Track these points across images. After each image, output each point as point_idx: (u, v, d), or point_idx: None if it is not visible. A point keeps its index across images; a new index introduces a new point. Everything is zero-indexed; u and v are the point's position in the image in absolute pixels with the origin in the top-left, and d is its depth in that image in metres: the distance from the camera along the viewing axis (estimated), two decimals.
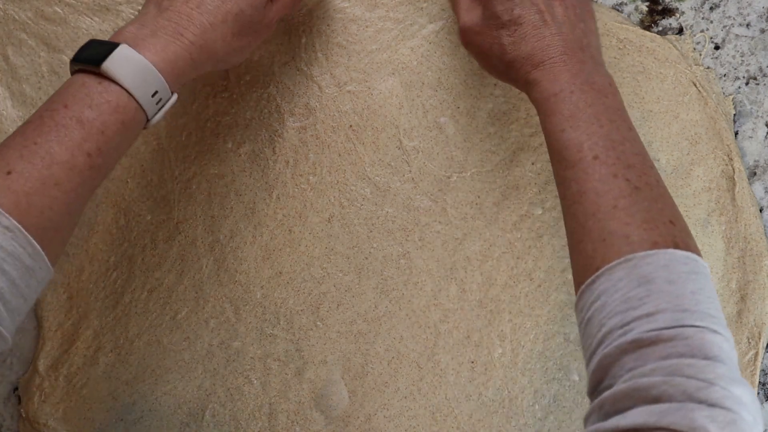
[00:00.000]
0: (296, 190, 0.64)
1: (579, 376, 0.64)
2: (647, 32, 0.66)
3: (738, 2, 0.66)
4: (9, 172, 0.42)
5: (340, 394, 0.64)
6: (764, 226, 0.66)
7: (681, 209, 0.64)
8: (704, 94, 0.65)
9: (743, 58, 0.66)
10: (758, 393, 0.65)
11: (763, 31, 0.66)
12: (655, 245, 0.42)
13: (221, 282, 0.64)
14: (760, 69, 0.67)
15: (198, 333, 0.63)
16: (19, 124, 0.64)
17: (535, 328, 0.64)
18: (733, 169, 0.65)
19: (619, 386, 0.38)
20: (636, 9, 0.67)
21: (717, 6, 0.67)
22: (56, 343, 0.63)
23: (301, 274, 0.64)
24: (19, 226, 0.41)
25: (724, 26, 0.66)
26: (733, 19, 0.66)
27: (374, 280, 0.64)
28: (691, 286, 0.41)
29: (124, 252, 0.63)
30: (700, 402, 0.36)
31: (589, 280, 0.43)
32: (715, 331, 0.39)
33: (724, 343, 0.39)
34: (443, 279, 0.64)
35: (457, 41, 0.64)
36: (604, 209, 0.45)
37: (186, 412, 0.63)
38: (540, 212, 0.65)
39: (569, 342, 0.64)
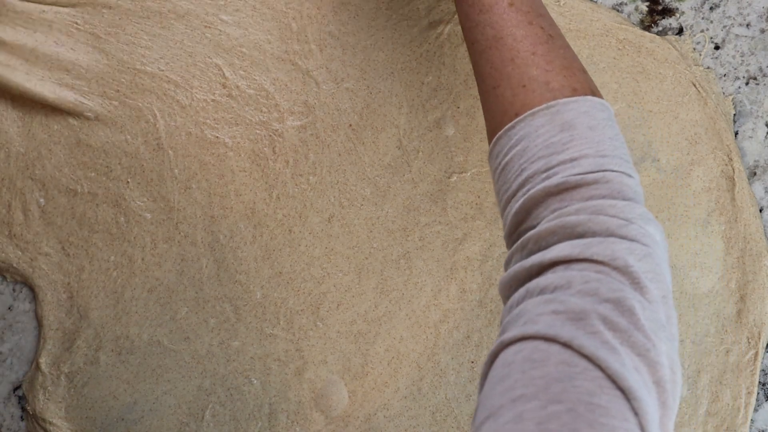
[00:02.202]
0: (296, 190, 0.64)
1: None
2: (646, 32, 0.66)
3: (738, 2, 0.66)
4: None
5: (340, 394, 0.64)
6: (764, 226, 0.66)
7: (681, 209, 0.64)
8: (704, 94, 0.65)
9: (743, 58, 0.67)
10: (758, 393, 0.65)
11: (763, 31, 0.66)
12: (575, 92, 0.44)
13: (221, 282, 0.64)
14: (760, 69, 0.67)
15: (198, 333, 0.63)
16: (20, 124, 0.64)
17: None
18: (733, 169, 0.65)
19: (544, 225, 0.40)
20: (636, 9, 0.67)
21: (717, 6, 0.67)
22: (57, 341, 0.63)
23: (301, 274, 0.64)
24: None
25: (724, 26, 0.66)
26: (733, 19, 0.66)
27: (374, 280, 0.64)
28: (609, 132, 0.43)
29: (124, 252, 0.63)
30: (621, 237, 0.39)
31: (509, 125, 0.44)
32: (630, 176, 0.42)
33: (637, 186, 0.42)
34: (443, 279, 0.64)
35: (457, 41, 0.64)
36: (523, 55, 0.45)
37: (186, 412, 0.63)
38: None
39: None
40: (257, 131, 0.64)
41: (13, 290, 0.65)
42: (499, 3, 0.47)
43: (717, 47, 0.67)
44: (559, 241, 0.39)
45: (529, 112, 0.43)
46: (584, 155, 0.41)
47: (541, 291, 0.38)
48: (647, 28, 0.66)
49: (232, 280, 0.64)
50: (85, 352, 0.63)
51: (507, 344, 0.37)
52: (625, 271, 0.37)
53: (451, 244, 0.64)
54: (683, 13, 0.67)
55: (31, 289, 0.64)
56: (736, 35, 0.67)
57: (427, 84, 0.64)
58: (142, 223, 0.63)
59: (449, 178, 0.64)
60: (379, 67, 0.64)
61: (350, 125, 0.64)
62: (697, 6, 0.66)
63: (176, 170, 0.64)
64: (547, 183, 0.41)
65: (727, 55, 0.67)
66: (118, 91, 0.63)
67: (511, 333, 0.37)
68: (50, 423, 0.62)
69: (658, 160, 0.64)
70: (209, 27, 0.64)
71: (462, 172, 0.65)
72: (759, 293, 0.64)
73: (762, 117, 0.67)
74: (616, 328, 0.35)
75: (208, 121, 0.64)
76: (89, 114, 0.63)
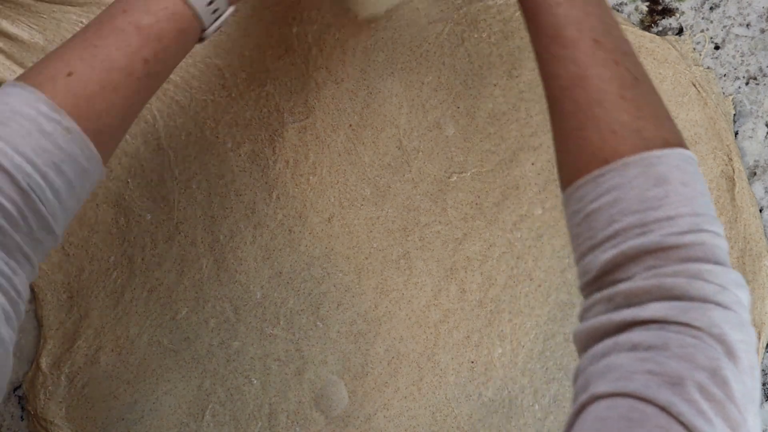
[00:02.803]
0: (296, 190, 0.64)
1: None
2: (646, 33, 0.66)
3: (738, 2, 0.66)
4: (70, 74, 0.42)
5: (340, 394, 0.64)
6: (764, 226, 0.66)
7: None
8: (704, 94, 0.65)
9: (743, 58, 0.67)
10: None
11: (763, 31, 0.66)
12: (666, 143, 0.42)
13: (221, 282, 0.64)
14: (760, 69, 0.67)
15: (198, 333, 0.63)
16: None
17: (535, 328, 0.64)
18: (733, 170, 0.65)
19: (638, 282, 0.40)
20: (636, 9, 0.67)
21: (717, 6, 0.67)
22: (57, 341, 0.63)
23: (301, 274, 0.64)
24: (79, 129, 0.42)
25: (724, 26, 0.66)
26: (733, 19, 0.66)
27: (374, 280, 0.64)
28: (700, 188, 0.42)
29: (124, 252, 0.63)
30: (717, 304, 0.38)
31: (597, 171, 0.43)
32: (720, 235, 0.41)
33: (725, 245, 0.42)
34: (443, 279, 0.64)
35: (457, 41, 0.64)
36: (611, 98, 0.43)
37: (186, 412, 0.63)
38: (540, 212, 0.65)
39: (569, 342, 0.64)
40: (257, 131, 0.64)
41: None
42: (583, 38, 0.44)
43: (717, 47, 0.67)
44: (654, 300, 0.39)
45: (621, 161, 0.42)
46: (680, 214, 0.40)
47: (634, 347, 0.38)
48: (647, 28, 0.66)
49: (232, 280, 0.64)
50: (85, 352, 0.63)
51: (599, 397, 0.37)
52: (720, 340, 0.37)
53: (451, 244, 0.64)
54: (683, 13, 0.67)
55: (31, 289, 0.64)
56: (736, 35, 0.67)
57: (427, 84, 0.64)
58: (142, 223, 0.64)
59: (449, 178, 0.64)
60: (379, 67, 0.64)
61: (350, 125, 0.64)
62: (697, 6, 0.66)
63: (176, 170, 0.64)
64: (643, 240, 0.40)
65: (727, 55, 0.67)
66: None
67: (604, 387, 0.37)
68: (51, 423, 0.62)
69: None
70: None
71: (462, 172, 0.65)
72: (759, 293, 0.64)
73: (762, 117, 0.67)
74: (712, 399, 0.36)
75: (208, 121, 0.64)
76: None
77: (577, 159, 0.44)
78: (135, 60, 0.44)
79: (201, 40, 0.49)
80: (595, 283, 0.42)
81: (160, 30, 0.45)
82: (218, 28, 0.49)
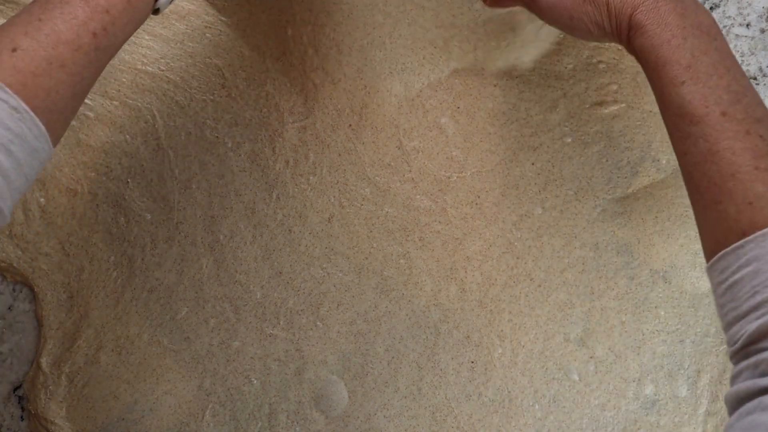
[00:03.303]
0: (296, 190, 0.64)
1: (579, 376, 0.64)
2: None
3: (738, 2, 0.66)
4: (14, 49, 0.41)
5: (340, 394, 0.64)
6: None
7: (681, 209, 0.64)
8: None
9: (743, 58, 0.66)
10: None
11: (763, 31, 0.66)
12: None
13: (221, 282, 0.64)
14: (760, 69, 0.67)
15: (198, 333, 0.63)
16: None
17: (535, 328, 0.64)
18: None
19: None
20: None
21: (717, 6, 0.66)
22: (57, 341, 0.63)
23: (301, 274, 0.64)
24: (27, 107, 0.41)
25: (724, 26, 0.66)
26: (733, 19, 0.66)
27: (374, 280, 0.64)
28: None
29: (124, 252, 0.64)
30: None
31: (736, 244, 0.43)
32: None
33: None
34: (443, 279, 0.64)
35: (457, 42, 0.64)
36: (745, 170, 0.43)
37: (186, 411, 0.63)
38: (540, 212, 0.65)
39: (569, 342, 0.64)
40: (257, 131, 0.64)
41: (13, 290, 0.65)
42: (710, 113, 0.44)
43: None
44: None
45: (759, 233, 0.43)
46: None
47: None
48: None
49: (232, 280, 0.64)
50: (85, 352, 0.63)
51: None
52: None
53: (450, 243, 0.64)
54: None
55: (31, 289, 0.64)
56: (736, 35, 0.67)
57: (427, 84, 0.64)
58: (142, 223, 0.64)
59: (449, 177, 0.64)
60: (377, 66, 0.64)
61: (350, 125, 0.64)
62: None
63: (176, 170, 0.64)
64: None
65: None
66: (119, 90, 0.63)
67: None
68: (51, 423, 0.62)
69: (658, 160, 0.64)
70: (210, 27, 0.64)
71: (461, 172, 0.65)
72: None
73: None
74: None
75: (207, 121, 0.64)
76: (90, 114, 0.64)
77: (716, 232, 0.45)
78: (82, 33, 0.43)
79: (156, 12, 0.48)
80: (742, 351, 0.43)
81: (108, 2, 0.44)
82: (169, 2, 0.48)
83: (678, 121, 0.46)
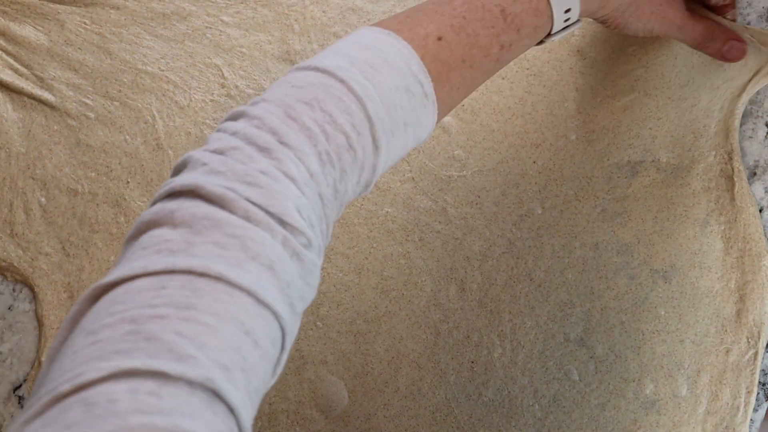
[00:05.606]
0: None
1: (579, 376, 0.64)
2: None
3: (738, 2, 0.66)
4: (440, 38, 0.42)
5: (339, 394, 0.64)
6: (764, 226, 0.66)
7: (680, 209, 0.64)
8: None
9: None
10: (758, 393, 0.65)
11: None
12: None
13: None
14: None
15: None
16: (20, 125, 0.64)
17: (535, 328, 0.64)
18: (733, 169, 0.65)
19: None
20: None
21: None
22: None
23: None
24: (435, 98, 0.42)
25: None
26: None
27: (374, 280, 0.64)
28: None
29: None
30: None
31: None
32: None
33: None
34: (443, 279, 0.64)
35: None
36: None
37: None
38: (540, 212, 0.65)
39: (569, 342, 0.64)
40: None
41: (13, 290, 0.65)
42: None
43: None
44: None
45: None
46: None
47: None
48: None
49: None
50: None
51: None
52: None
53: (450, 243, 0.64)
54: None
55: (31, 289, 0.64)
56: None
57: None
58: None
59: (449, 177, 0.65)
60: None
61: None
62: None
63: None
64: None
65: None
66: (119, 91, 0.64)
67: None
68: None
69: (659, 160, 0.64)
70: (210, 28, 0.64)
71: (462, 171, 0.65)
72: (758, 293, 0.64)
73: (762, 117, 0.67)
74: None
75: (207, 121, 0.64)
76: (90, 114, 0.64)
77: None
78: (494, 43, 0.44)
79: (539, 42, 0.48)
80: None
81: (522, 21, 0.45)
82: (560, 37, 0.48)
83: None
